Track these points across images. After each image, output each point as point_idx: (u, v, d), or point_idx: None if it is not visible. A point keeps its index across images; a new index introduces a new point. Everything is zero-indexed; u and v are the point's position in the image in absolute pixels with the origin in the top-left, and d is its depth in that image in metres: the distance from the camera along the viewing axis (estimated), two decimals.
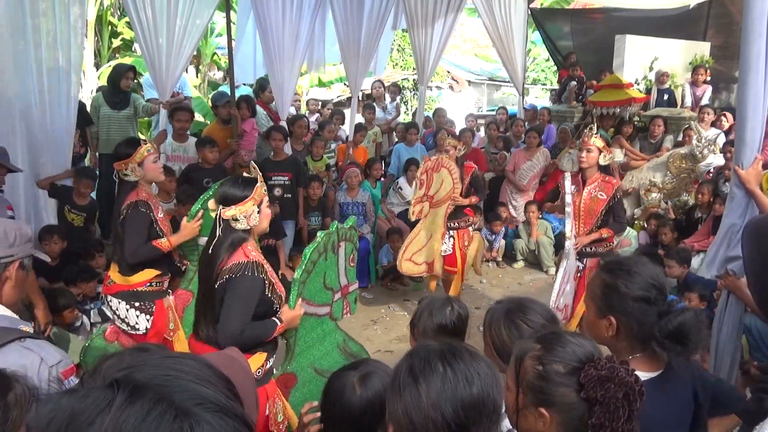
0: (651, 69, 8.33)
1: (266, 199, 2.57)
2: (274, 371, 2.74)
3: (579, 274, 4.23)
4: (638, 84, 8.31)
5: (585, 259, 4.24)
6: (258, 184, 2.52)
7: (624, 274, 1.67)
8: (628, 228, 6.53)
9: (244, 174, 2.64)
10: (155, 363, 0.70)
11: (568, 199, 4.14)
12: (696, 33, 9.02)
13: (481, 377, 1.17)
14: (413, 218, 5.12)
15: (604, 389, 1.17)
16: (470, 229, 5.33)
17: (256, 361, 2.49)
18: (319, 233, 2.93)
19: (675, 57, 8.40)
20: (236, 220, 2.43)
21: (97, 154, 6.11)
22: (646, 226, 6.53)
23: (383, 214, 6.82)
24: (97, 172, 5.82)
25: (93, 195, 5.35)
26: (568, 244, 4.07)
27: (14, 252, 1.71)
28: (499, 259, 7.04)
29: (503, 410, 1.29)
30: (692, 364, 1.74)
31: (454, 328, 2.15)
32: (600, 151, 4.16)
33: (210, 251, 2.48)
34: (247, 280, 2.38)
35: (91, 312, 4.40)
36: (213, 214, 2.55)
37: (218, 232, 2.47)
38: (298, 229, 6.13)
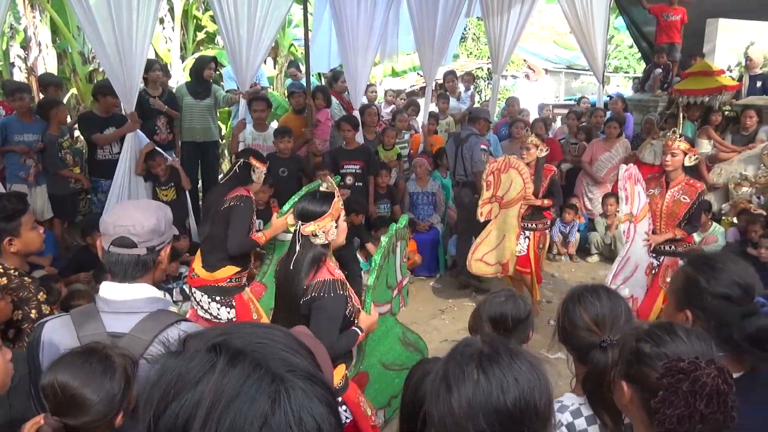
0: (746, 54, 7.76)
1: (343, 213, 2.61)
2: (348, 374, 2.81)
3: (654, 272, 4.25)
4: (731, 71, 7.77)
5: (662, 257, 4.23)
6: (335, 199, 2.55)
7: (707, 270, 1.62)
8: (714, 224, 6.18)
9: (321, 189, 2.67)
10: (248, 331, 0.75)
11: (620, 183, 4.20)
12: None
13: (519, 383, 1.10)
14: (482, 219, 5.03)
15: (675, 379, 1.15)
16: (547, 232, 5.30)
17: (339, 372, 2.56)
18: (382, 237, 3.02)
19: None
20: (315, 235, 2.47)
21: (179, 142, 6.40)
22: (735, 221, 6.14)
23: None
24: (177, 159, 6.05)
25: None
26: (623, 228, 4.22)
27: (165, 238, 1.79)
28: (573, 253, 6.84)
29: (555, 407, 1.27)
30: None
31: (504, 323, 2.14)
32: (685, 154, 4.08)
33: (291, 266, 2.49)
34: (333, 300, 2.44)
35: (173, 291, 4.66)
36: (292, 229, 2.60)
37: (297, 247, 2.49)
38: (367, 216, 6.20)
